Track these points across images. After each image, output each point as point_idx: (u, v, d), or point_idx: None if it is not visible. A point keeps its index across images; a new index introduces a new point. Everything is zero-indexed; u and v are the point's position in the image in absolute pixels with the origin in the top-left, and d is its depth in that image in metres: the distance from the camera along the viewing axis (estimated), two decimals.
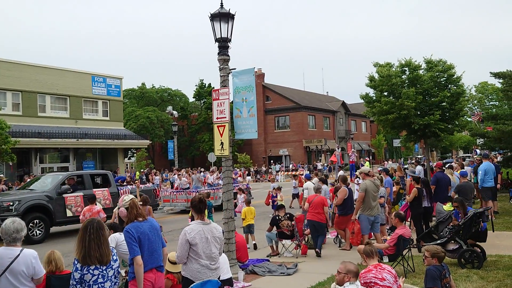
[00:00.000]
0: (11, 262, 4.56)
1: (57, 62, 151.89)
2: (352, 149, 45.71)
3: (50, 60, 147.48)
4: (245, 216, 12.93)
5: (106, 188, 17.02)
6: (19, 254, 4.62)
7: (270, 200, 18.87)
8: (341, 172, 24.88)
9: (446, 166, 17.87)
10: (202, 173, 28.86)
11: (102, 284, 4.37)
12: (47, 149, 28.95)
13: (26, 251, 4.72)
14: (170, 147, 41.60)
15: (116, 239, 6.32)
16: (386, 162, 55.78)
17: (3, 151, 19.72)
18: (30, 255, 4.72)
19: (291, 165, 51.82)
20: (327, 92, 77.22)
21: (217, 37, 8.78)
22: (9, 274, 4.55)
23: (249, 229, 12.95)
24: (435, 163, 20.05)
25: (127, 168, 42.98)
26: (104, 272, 4.38)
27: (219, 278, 5.45)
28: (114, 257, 4.55)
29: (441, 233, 9.61)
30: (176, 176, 27.62)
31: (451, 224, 9.58)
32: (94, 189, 16.47)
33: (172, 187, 26.27)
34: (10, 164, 23.69)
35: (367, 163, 35.17)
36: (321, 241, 11.29)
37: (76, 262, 4.33)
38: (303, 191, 14.74)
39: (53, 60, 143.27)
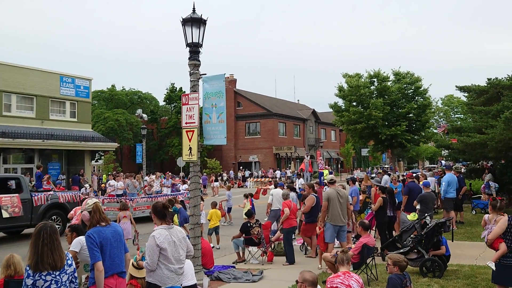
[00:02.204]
0: None
1: (24, 61, 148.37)
2: (321, 157, 46.15)
3: (17, 59, 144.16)
4: (211, 218, 13.16)
5: (17, 194, 15.12)
6: None
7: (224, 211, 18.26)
8: (301, 180, 25.08)
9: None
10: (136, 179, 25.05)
11: None
12: (11, 150, 28.14)
13: None
14: (139, 151, 41.09)
15: (81, 243, 6.20)
16: (355, 170, 56.66)
17: None
18: None
19: (260, 172, 51.76)
20: (298, 100, 77.98)
21: (188, 42, 8.76)
22: None
23: (215, 231, 13.29)
24: (403, 173, 20.43)
25: (94, 170, 42.20)
26: (58, 277, 4.23)
27: (182, 285, 5.42)
28: (69, 262, 4.40)
29: (405, 242, 9.79)
30: (112, 180, 24.09)
31: (414, 233, 9.78)
32: (1, 195, 14.71)
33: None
34: None
35: (326, 171, 35.20)
36: None
37: (28, 268, 4.18)
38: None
39: (20, 59, 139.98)
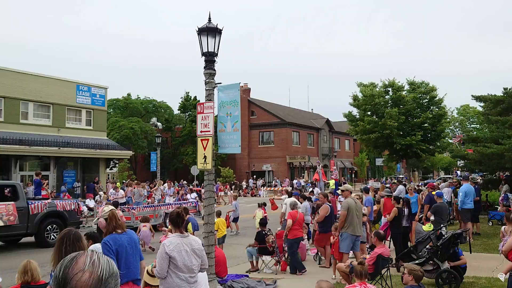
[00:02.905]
0: None
1: (41, 69, 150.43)
2: (334, 167, 45.91)
3: (34, 67, 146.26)
4: (217, 228, 13.20)
5: (12, 202, 14.61)
6: None
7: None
8: (316, 190, 24.84)
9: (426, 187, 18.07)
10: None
11: None
12: (27, 157, 28.51)
13: None
14: (153, 159, 41.34)
15: (96, 250, 6.24)
16: (370, 180, 56.40)
17: None
18: None
19: (275, 180, 51.57)
20: (312, 109, 77.84)
21: (203, 51, 8.81)
22: None
23: (223, 240, 13.42)
24: (418, 183, 20.23)
25: (108, 178, 42.49)
26: None
27: None
28: None
29: (420, 253, 9.68)
30: (112, 190, 23.80)
31: (430, 244, 9.67)
32: None
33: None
34: None
35: (332, 181, 34.82)
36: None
37: (52, 274, 4.25)
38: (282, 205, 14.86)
39: (37, 67, 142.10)
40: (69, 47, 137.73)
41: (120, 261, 5.03)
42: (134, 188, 22.71)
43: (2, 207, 14.26)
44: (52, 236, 15.61)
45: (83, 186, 30.17)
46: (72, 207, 16.58)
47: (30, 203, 15.26)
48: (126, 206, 19.44)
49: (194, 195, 24.16)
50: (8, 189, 15.55)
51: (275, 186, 48.65)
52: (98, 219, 5.33)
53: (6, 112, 28.29)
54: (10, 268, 11.48)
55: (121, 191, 22.39)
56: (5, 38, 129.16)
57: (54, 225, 15.82)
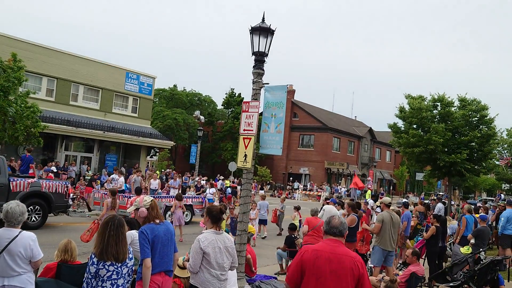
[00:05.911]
0: (9, 243, 4.67)
1: (93, 54, 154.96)
2: (369, 178, 45.36)
3: (86, 52, 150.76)
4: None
5: None
6: (17, 236, 4.72)
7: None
8: (371, 201, 24.20)
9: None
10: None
11: (116, 281, 4.43)
12: (73, 137, 29.37)
13: (25, 233, 4.80)
14: (193, 151, 41.82)
15: (132, 236, 6.36)
16: (409, 194, 55.26)
17: (32, 134, 20.07)
18: (28, 237, 4.79)
19: (309, 185, 51.35)
20: (355, 116, 76.83)
21: (254, 51, 8.82)
22: (6, 255, 4.65)
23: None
24: (458, 202, 19.61)
25: (148, 166, 43.29)
26: (119, 269, 4.45)
27: None
28: (130, 256, 4.63)
29: (455, 276, 9.41)
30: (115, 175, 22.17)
31: (466, 268, 9.38)
32: None
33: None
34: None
35: (369, 192, 34.31)
36: None
37: (93, 256, 4.41)
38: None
39: (89, 52, 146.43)
40: (121, 34, 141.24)
41: (154, 251, 5.11)
42: (134, 176, 21.74)
43: None
44: (33, 218, 14.41)
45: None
46: (60, 189, 15.35)
47: (12, 179, 14.09)
48: (123, 194, 17.95)
49: (213, 190, 23.08)
50: None
51: (310, 190, 48.42)
52: (137, 209, 5.41)
53: (58, 93, 29.26)
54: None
55: (121, 179, 21.41)
56: (60, 22, 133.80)
57: (36, 206, 14.63)
